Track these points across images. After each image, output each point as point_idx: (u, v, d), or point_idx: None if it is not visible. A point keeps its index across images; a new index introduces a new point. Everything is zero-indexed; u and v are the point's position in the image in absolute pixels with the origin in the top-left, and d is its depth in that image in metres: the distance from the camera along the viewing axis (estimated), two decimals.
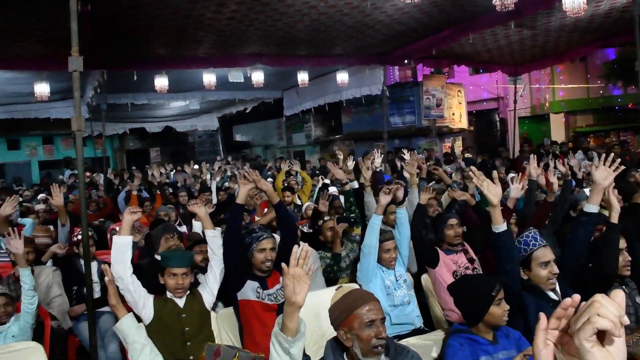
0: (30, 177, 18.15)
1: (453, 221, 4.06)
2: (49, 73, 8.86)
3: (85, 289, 4.26)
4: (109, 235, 7.03)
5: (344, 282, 4.44)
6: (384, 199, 3.70)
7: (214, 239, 3.28)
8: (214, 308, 3.41)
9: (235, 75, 9.70)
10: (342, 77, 10.60)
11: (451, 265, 3.90)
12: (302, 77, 10.38)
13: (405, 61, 10.50)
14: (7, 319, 3.53)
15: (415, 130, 14.84)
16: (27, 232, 5.29)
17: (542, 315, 0.97)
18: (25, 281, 3.53)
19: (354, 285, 3.34)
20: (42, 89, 9.19)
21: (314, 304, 3.59)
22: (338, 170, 4.95)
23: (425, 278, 4.11)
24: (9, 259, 4.90)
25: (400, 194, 3.83)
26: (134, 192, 7.60)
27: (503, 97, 17.63)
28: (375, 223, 3.63)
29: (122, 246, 3.02)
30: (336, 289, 2.27)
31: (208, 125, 18.13)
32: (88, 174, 14.05)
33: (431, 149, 13.81)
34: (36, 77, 9.09)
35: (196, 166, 11.54)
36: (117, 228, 7.02)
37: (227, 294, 3.43)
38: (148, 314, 3.04)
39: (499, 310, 2.52)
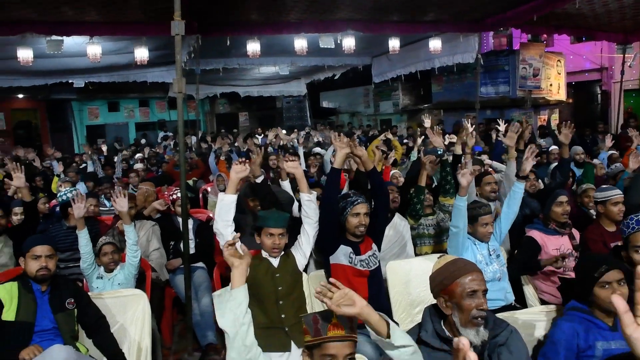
0: (128, 137, 19.24)
1: (563, 198, 3.85)
2: (148, 39, 9.22)
3: (181, 245, 4.51)
4: (200, 195, 7.35)
5: (424, 250, 4.40)
6: (465, 180, 3.54)
7: (309, 202, 3.29)
8: (305, 270, 3.46)
9: (326, 41, 9.62)
10: (435, 44, 10.24)
11: (551, 249, 3.74)
12: (394, 43, 10.13)
13: (502, 28, 9.97)
14: (114, 266, 3.80)
15: (509, 101, 14.18)
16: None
17: (615, 297, 0.88)
18: (129, 236, 3.77)
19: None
20: (141, 53, 9.59)
21: (404, 272, 3.58)
22: (437, 138, 4.77)
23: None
24: (112, 214, 5.25)
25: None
26: (222, 158, 7.84)
27: (607, 67, 16.38)
28: (460, 205, 3.48)
29: (226, 204, 3.13)
30: (439, 257, 2.22)
31: (296, 91, 18.24)
32: (171, 134, 14.70)
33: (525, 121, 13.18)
34: (136, 43, 9.50)
35: (284, 131, 11.68)
36: (209, 189, 7.35)
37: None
38: None
39: (605, 293, 2.37)
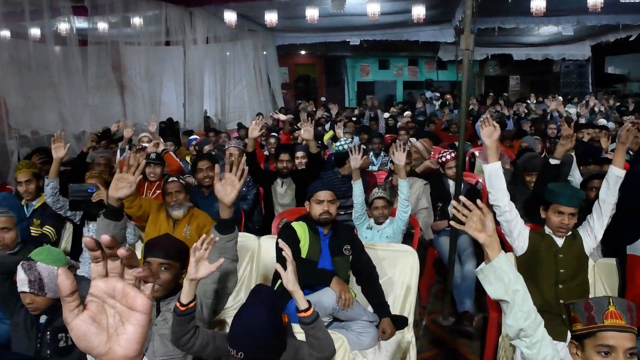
0: (395, 95, 19.85)
1: None
2: None
3: (449, 207, 4.42)
4: (467, 158, 7.14)
5: None
6: None
7: (619, 179, 2.87)
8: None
9: None
10: None
11: None
12: None
13: None
14: (384, 220, 3.92)
15: None
16: None
17: None
18: (402, 191, 3.81)
19: None
20: (418, 11, 9.64)
21: None
22: None
23: None
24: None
25: None
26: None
27: None
28: None
29: (494, 171, 2.93)
30: None
31: (577, 54, 16.36)
32: (448, 95, 14.57)
33: None
34: (414, 2, 9.55)
35: (560, 98, 10.64)
36: (477, 152, 7.09)
37: None
38: (521, 244, 2.93)
39: None
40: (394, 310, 3.22)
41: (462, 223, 1.84)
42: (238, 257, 2.40)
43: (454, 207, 1.86)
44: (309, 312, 2.17)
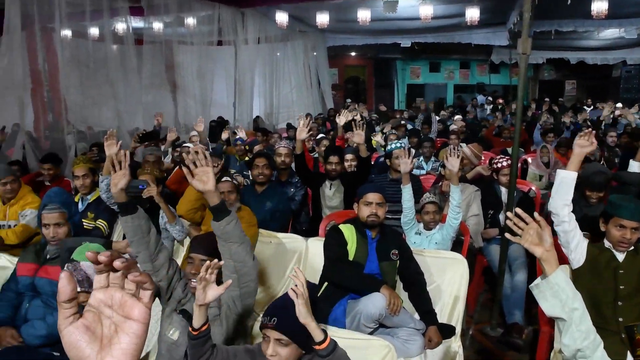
0: (446, 98, 19.55)
1: None
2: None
3: (500, 215, 4.31)
4: (519, 165, 6.95)
5: None
6: None
7: None
8: None
9: None
10: None
11: None
12: None
13: None
14: (434, 226, 3.84)
15: None
16: None
17: None
18: (454, 197, 3.73)
19: None
20: (472, 13, 9.45)
21: None
22: None
23: None
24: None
25: None
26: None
27: None
28: None
29: (567, 180, 2.81)
30: None
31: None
32: (501, 100, 14.27)
33: None
34: (467, 4, 9.37)
35: (619, 104, 10.22)
36: (529, 159, 6.89)
37: None
38: (579, 257, 2.80)
39: None
40: (441, 318, 3.14)
41: (517, 234, 1.77)
42: (246, 238, 2.32)
43: (509, 219, 1.78)
44: (325, 344, 2.01)
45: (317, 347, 2.00)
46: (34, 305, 2.89)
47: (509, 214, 1.80)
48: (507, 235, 1.82)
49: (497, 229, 4.38)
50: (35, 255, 3.01)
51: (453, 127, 8.62)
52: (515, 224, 1.78)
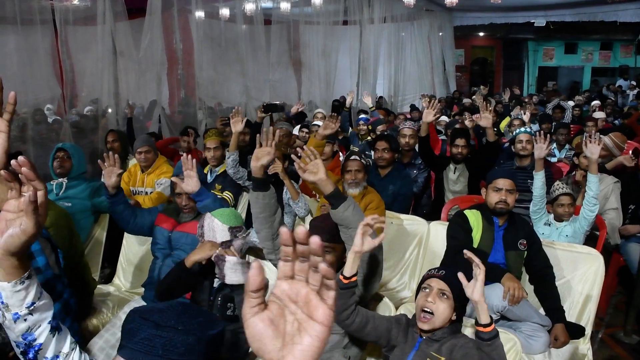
0: (581, 82, 18.08)
1: None
2: None
3: None
4: None
5: None
6: None
7: None
8: None
9: None
10: None
11: None
12: None
13: None
14: (568, 218, 3.60)
15: None
16: None
17: None
18: (591, 187, 3.45)
19: None
20: None
21: None
22: None
23: None
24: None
25: None
26: None
27: None
28: None
29: None
30: None
31: None
32: (634, 83, 12.98)
33: None
34: None
35: None
36: None
37: None
38: None
39: None
40: (570, 317, 2.94)
41: None
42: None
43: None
44: (490, 328, 1.97)
45: (481, 328, 1.99)
46: (167, 264, 3.08)
47: None
48: None
49: (638, 226, 4.02)
50: (175, 213, 3.22)
51: (596, 114, 7.93)
52: None
